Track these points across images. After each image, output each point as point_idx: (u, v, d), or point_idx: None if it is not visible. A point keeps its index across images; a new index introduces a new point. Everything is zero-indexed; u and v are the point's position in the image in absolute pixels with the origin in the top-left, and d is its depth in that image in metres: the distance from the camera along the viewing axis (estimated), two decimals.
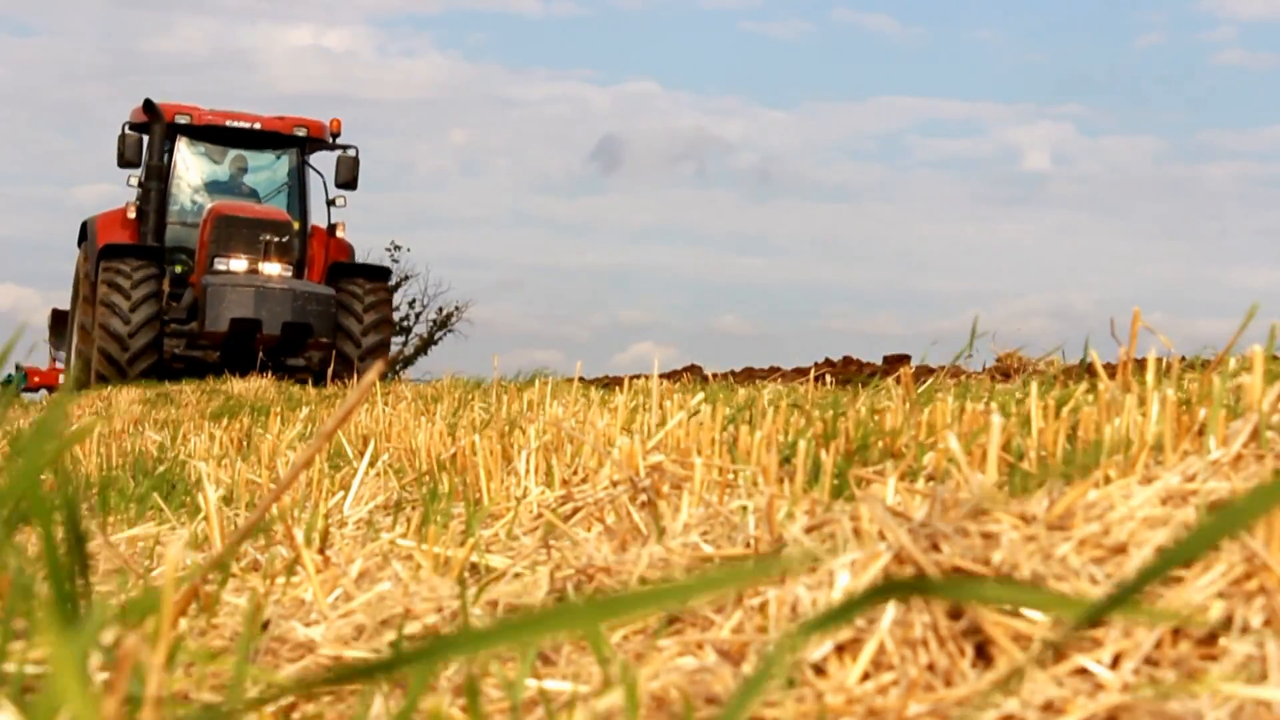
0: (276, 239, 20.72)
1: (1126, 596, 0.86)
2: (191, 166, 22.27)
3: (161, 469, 4.97)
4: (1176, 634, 1.51)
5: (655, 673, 1.57)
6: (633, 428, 3.67)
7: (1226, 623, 1.51)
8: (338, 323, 20.77)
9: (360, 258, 23.10)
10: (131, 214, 21.80)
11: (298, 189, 22.67)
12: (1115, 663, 1.49)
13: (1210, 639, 1.51)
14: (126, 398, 12.21)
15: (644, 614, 0.82)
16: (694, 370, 16.73)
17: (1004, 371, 9.66)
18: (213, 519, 2.63)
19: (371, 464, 3.81)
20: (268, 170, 22.78)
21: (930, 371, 8.85)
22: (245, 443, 5.96)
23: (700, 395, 3.98)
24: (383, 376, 18.83)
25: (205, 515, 2.69)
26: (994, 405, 3.10)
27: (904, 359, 15.93)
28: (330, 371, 18.88)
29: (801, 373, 14.64)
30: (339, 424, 1.19)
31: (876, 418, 3.05)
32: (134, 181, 21.90)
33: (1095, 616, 0.84)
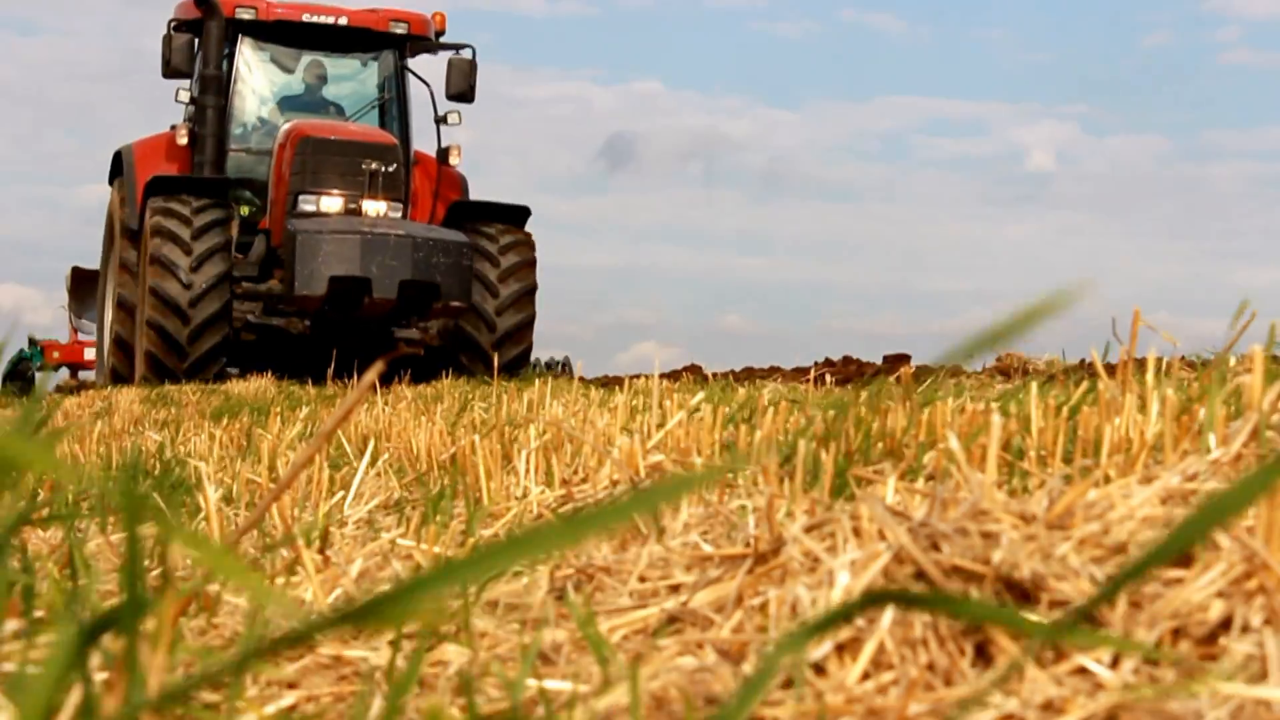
0: (383, 168, 15.30)
1: (1116, 590, 0.86)
2: (256, 76, 16.77)
3: (161, 469, 4.97)
4: (1176, 634, 1.51)
5: (655, 672, 1.57)
6: (632, 427, 3.67)
7: (1226, 623, 1.51)
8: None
9: None
10: (183, 139, 16.25)
11: (397, 103, 17.08)
12: (1115, 662, 1.49)
13: (1210, 639, 1.51)
14: (126, 397, 12.21)
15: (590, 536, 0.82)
16: (694, 370, 16.73)
17: (1004, 371, 9.66)
18: (213, 519, 2.63)
19: (371, 464, 3.81)
20: (353, 80, 17.33)
21: (930, 371, 8.85)
22: (245, 442, 5.96)
23: (700, 395, 3.97)
24: (516, 368, 15.12)
25: (205, 515, 2.69)
26: (994, 405, 3.10)
27: (904, 358, 15.93)
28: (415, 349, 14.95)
29: (802, 372, 14.65)
30: (339, 423, 1.19)
31: (876, 417, 3.05)
32: (184, 96, 16.48)
33: (1058, 635, 0.84)
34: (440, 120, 16.73)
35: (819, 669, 1.54)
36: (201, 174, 15.98)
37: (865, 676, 1.53)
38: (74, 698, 1.08)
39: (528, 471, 3.16)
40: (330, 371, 11.57)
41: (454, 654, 1.72)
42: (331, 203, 15.32)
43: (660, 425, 3.31)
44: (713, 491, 2.47)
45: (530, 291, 15.76)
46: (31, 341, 26.38)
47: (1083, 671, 1.48)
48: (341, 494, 3.18)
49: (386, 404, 6.66)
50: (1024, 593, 1.63)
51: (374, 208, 15.30)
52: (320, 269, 14.45)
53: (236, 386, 11.44)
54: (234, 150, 16.46)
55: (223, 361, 15.08)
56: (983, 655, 1.55)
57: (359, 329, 15.20)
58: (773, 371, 16.30)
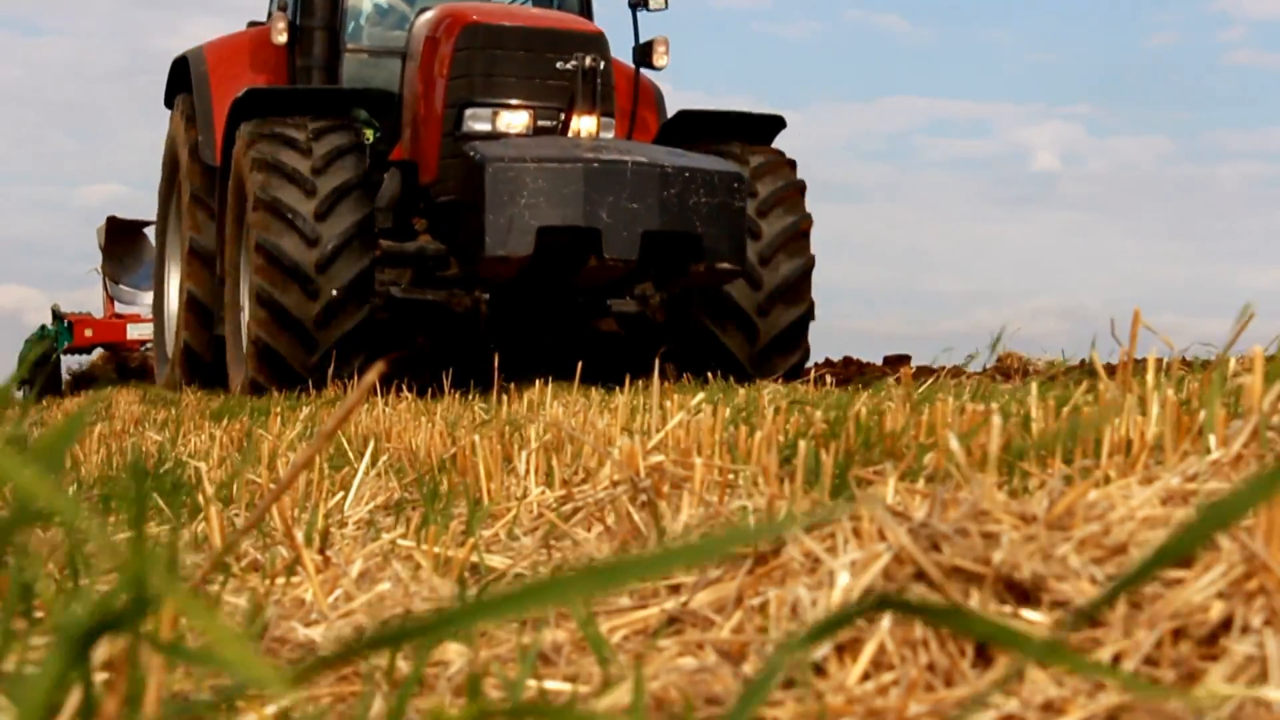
0: (597, 66, 10.06)
1: (1117, 593, 0.86)
2: None
3: (162, 469, 4.97)
4: (1176, 634, 1.51)
5: (655, 673, 1.57)
6: (633, 428, 3.67)
7: (1226, 623, 1.51)
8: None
9: None
10: (280, 36, 11.11)
11: None
12: (1115, 663, 1.49)
13: (1210, 639, 1.51)
14: (126, 397, 12.19)
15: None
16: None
17: (1004, 371, 9.66)
18: (213, 519, 2.63)
19: (372, 464, 3.81)
20: None
21: (930, 372, 8.86)
22: (245, 443, 5.96)
23: (700, 395, 3.98)
24: (792, 373, 9.83)
25: (205, 515, 2.69)
26: (994, 405, 3.10)
27: (904, 359, 15.94)
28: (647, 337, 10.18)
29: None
30: (339, 424, 1.19)
31: (877, 418, 3.05)
32: None
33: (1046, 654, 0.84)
34: (639, 4, 11.25)
35: (819, 669, 1.54)
36: (310, 82, 11.18)
37: (865, 677, 1.53)
38: (74, 699, 1.08)
39: (528, 472, 3.17)
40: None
41: (454, 654, 1.72)
42: (515, 119, 10.23)
43: (660, 425, 3.31)
44: (713, 494, 2.47)
45: (805, 231, 10.62)
46: (56, 315, 18.93)
47: None
48: (342, 494, 3.18)
49: (387, 405, 6.67)
50: (1024, 594, 1.63)
51: (586, 125, 10.08)
52: (523, 217, 9.30)
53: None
54: (347, 51, 11.46)
55: (364, 355, 10.22)
56: (983, 656, 1.55)
57: (566, 303, 10.41)
58: None
